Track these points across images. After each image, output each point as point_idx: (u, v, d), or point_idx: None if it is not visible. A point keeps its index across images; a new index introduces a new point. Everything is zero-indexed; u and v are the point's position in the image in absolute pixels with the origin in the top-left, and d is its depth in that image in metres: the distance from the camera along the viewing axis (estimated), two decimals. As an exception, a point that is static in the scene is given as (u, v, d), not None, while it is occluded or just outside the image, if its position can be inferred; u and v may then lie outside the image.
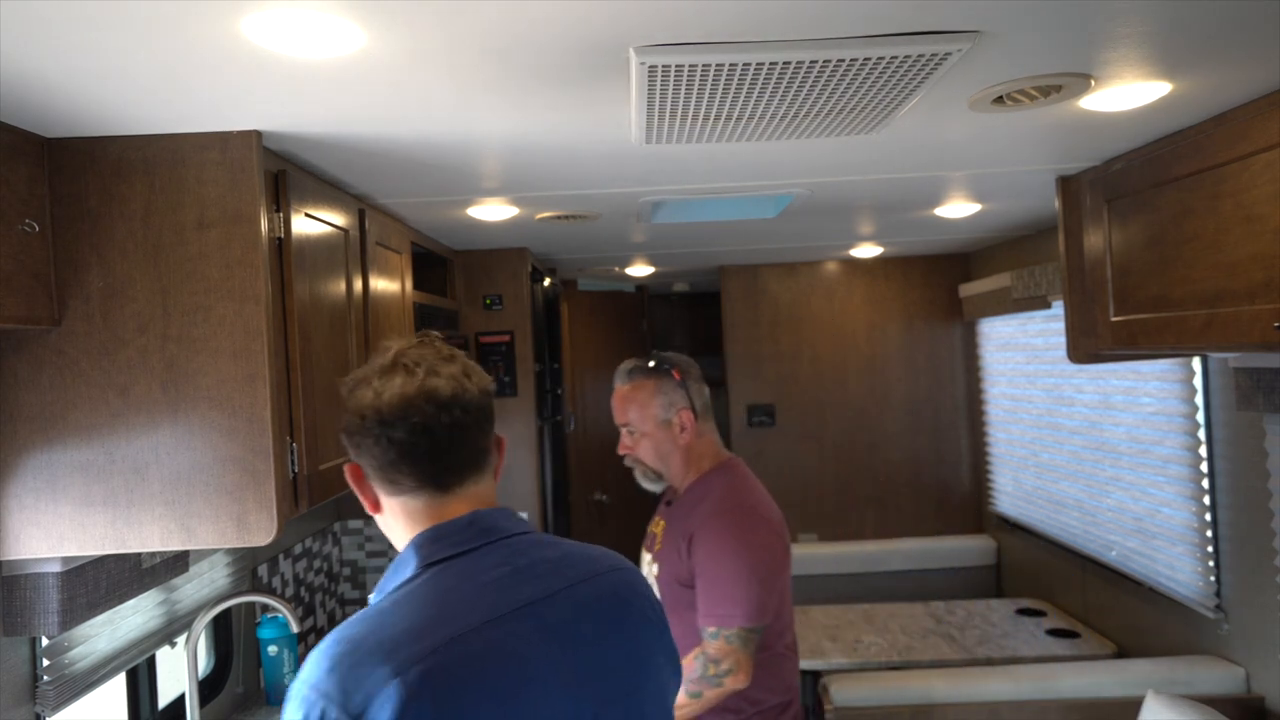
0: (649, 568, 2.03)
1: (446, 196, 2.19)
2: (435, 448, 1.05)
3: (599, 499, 4.59)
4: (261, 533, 1.48)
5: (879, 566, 4.17)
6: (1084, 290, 2.20)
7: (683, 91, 1.37)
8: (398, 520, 1.09)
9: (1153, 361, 2.70)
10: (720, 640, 1.79)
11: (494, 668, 0.93)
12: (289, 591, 2.69)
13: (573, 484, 4.21)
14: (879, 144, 1.81)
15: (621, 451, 2.05)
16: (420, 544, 1.04)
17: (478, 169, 1.90)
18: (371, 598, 1.07)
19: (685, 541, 1.90)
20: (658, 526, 2.08)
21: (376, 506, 1.11)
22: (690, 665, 1.80)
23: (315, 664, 0.93)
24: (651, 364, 2.03)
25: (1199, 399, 2.52)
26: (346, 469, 1.11)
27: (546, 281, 3.69)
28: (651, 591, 1.16)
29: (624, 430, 2.04)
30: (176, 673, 2.07)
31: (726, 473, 1.99)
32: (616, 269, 4.25)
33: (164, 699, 2.06)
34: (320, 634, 2.94)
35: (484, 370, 1.13)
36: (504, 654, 0.94)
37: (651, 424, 1.99)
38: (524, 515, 3.26)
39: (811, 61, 1.26)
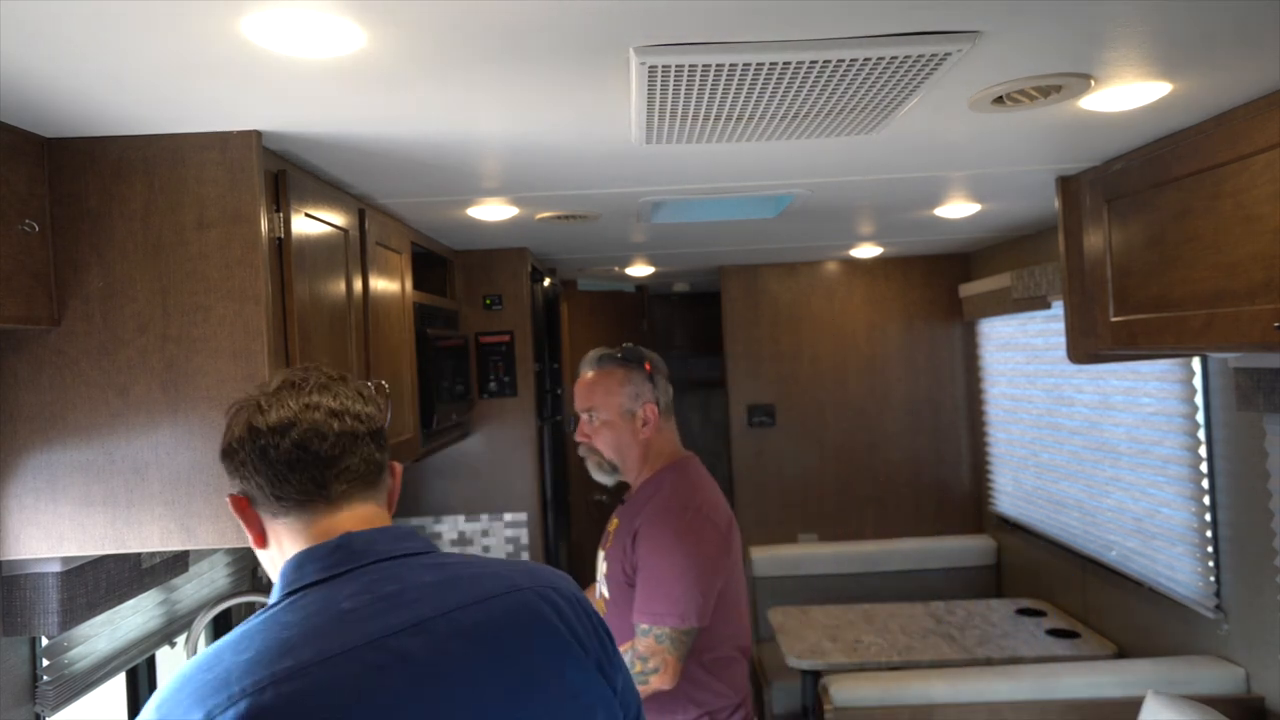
0: (600, 565, 2.01)
1: (446, 196, 2.19)
2: (319, 458, 1.00)
3: (598, 499, 4.59)
4: (261, 533, 1.48)
5: (879, 566, 4.18)
6: (1084, 290, 2.20)
7: (683, 92, 1.37)
8: (281, 550, 1.02)
9: (1152, 362, 2.70)
10: (650, 638, 1.77)
11: (328, 707, 0.84)
12: (289, 591, 2.69)
13: (572, 484, 4.21)
14: (879, 144, 1.81)
15: (579, 439, 2.02)
16: (286, 570, 0.98)
17: (478, 169, 1.90)
18: None
19: (630, 538, 1.88)
20: (612, 525, 2.06)
21: (262, 539, 1.05)
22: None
23: (168, 685, 0.89)
24: (621, 354, 2.01)
25: (1199, 399, 2.52)
26: (229, 500, 1.05)
27: (546, 281, 3.69)
28: (574, 614, 1.03)
29: (584, 416, 2.01)
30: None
31: (678, 471, 1.96)
32: (616, 269, 4.25)
33: (164, 699, 2.06)
34: (320, 634, 2.94)
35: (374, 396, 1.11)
36: (345, 691, 0.85)
37: (615, 412, 1.96)
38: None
39: (811, 61, 1.26)
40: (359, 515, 1.03)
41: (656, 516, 1.86)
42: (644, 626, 1.78)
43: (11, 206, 1.35)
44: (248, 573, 2.38)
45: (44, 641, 1.58)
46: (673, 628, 1.76)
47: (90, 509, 1.45)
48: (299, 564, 0.98)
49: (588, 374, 2.03)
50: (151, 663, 2.01)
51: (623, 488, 2.11)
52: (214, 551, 2.18)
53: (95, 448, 1.46)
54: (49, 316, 1.44)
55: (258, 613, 0.95)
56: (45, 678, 1.57)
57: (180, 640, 2.02)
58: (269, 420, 1.01)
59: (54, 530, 1.45)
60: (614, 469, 2.01)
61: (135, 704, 1.97)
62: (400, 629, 0.91)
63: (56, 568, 1.49)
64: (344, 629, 0.89)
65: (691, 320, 6.14)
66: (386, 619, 0.91)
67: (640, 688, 1.72)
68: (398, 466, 1.12)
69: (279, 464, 1.00)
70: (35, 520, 1.45)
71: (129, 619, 1.84)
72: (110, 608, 1.63)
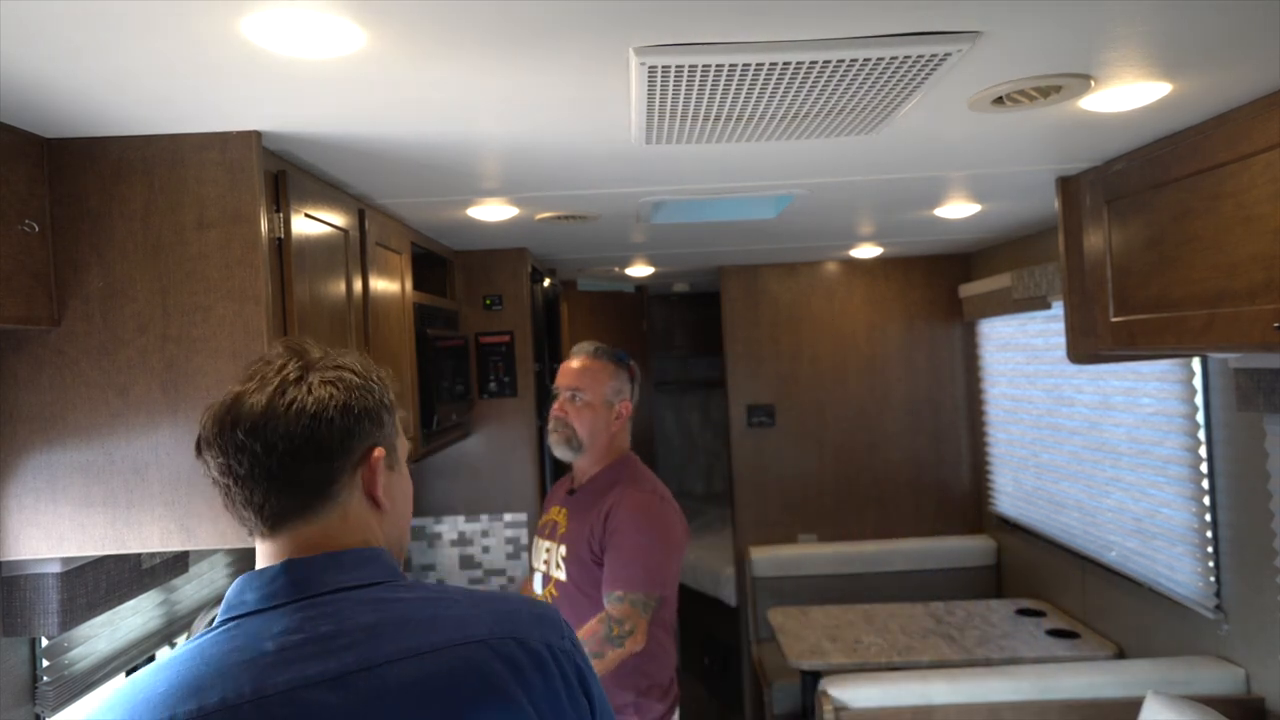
0: (553, 553, 2.18)
1: (446, 197, 2.19)
2: (242, 481, 0.91)
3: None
4: (261, 533, 1.48)
5: (879, 566, 4.18)
6: (1084, 290, 2.20)
7: (683, 92, 1.37)
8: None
9: (1153, 362, 2.70)
10: (625, 604, 1.96)
11: None
12: (289, 592, 2.69)
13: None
14: (879, 144, 1.81)
15: (556, 413, 2.20)
16: (229, 594, 0.91)
17: (477, 169, 1.90)
18: None
19: (601, 519, 2.05)
20: (559, 515, 2.23)
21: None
22: (593, 629, 1.96)
23: (104, 703, 0.85)
24: (613, 353, 2.24)
25: (1199, 399, 2.52)
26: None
27: (546, 281, 3.69)
28: (540, 675, 0.90)
29: (566, 394, 2.19)
30: (176, 673, 2.06)
31: (634, 464, 2.20)
32: (616, 269, 4.25)
33: (164, 699, 2.06)
34: (320, 634, 2.94)
35: (371, 379, 0.97)
36: None
37: (599, 399, 2.17)
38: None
39: (811, 62, 1.26)
40: (295, 541, 0.92)
41: (628, 498, 2.07)
42: (618, 594, 1.97)
43: (11, 206, 1.35)
44: (248, 573, 2.38)
45: (44, 642, 1.58)
46: (645, 593, 1.97)
47: (90, 509, 1.45)
48: (240, 589, 0.90)
49: (580, 358, 2.23)
50: (151, 663, 2.01)
51: None
52: (214, 552, 2.18)
53: (95, 448, 1.46)
54: (49, 316, 1.44)
55: (198, 634, 0.90)
56: (45, 678, 1.57)
57: (180, 640, 2.02)
58: (203, 430, 0.94)
59: (54, 531, 1.45)
60: (579, 448, 2.18)
61: (135, 704, 1.97)
62: (319, 680, 0.82)
63: (56, 568, 1.49)
64: (260, 673, 0.82)
65: (691, 320, 6.14)
66: (306, 667, 0.82)
67: (616, 651, 1.93)
68: (376, 454, 0.96)
69: (218, 484, 0.93)
70: (35, 520, 1.45)
71: (129, 619, 1.84)
72: (110, 608, 1.63)
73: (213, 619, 0.91)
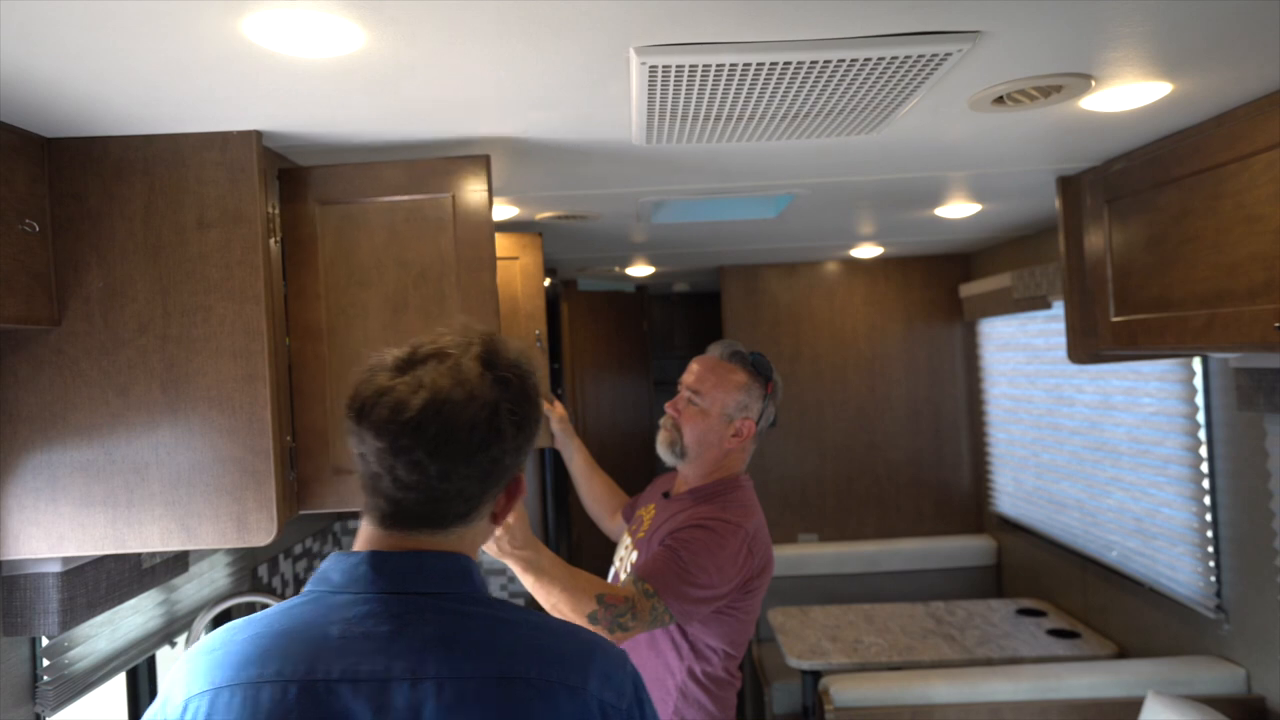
0: (625, 560, 1.97)
1: (446, 196, 2.19)
2: (377, 477, 0.90)
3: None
4: (261, 533, 1.48)
5: (879, 566, 4.18)
6: (1084, 290, 2.20)
7: (683, 92, 1.37)
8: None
9: (1153, 362, 2.70)
10: (644, 598, 1.65)
11: None
12: (289, 591, 2.69)
13: (573, 484, 4.21)
14: (879, 144, 1.81)
15: (670, 411, 1.95)
16: (324, 564, 0.94)
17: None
18: None
19: (681, 521, 1.81)
20: (647, 514, 2.02)
21: None
22: (622, 587, 1.67)
23: (204, 643, 0.93)
24: (754, 360, 1.94)
25: (1199, 399, 2.52)
26: None
27: (547, 281, 3.69)
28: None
29: (686, 394, 1.93)
30: (176, 673, 2.06)
31: (739, 488, 1.92)
32: (616, 269, 4.25)
33: (164, 699, 2.06)
34: (320, 634, 2.94)
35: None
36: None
37: (718, 408, 1.89)
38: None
39: (811, 61, 1.26)
40: (409, 538, 0.92)
41: (702, 512, 1.81)
42: (648, 587, 1.67)
43: (12, 206, 1.35)
44: (248, 573, 2.38)
45: (44, 641, 1.58)
46: (667, 606, 1.67)
47: (90, 509, 1.46)
48: (331, 564, 0.92)
49: (712, 357, 1.95)
50: (151, 663, 2.01)
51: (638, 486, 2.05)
52: (214, 551, 2.18)
53: (95, 448, 1.46)
54: (49, 316, 1.44)
55: (285, 602, 0.94)
56: (45, 678, 1.57)
57: (180, 640, 2.02)
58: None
59: (54, 530, 1.45)
60: (681, 454, 1.93)
61: (135, 704, 1.97)
62: (365, 678, 0.84)
63: (56, 568, 1.49)
64: (316, 656, 0.85)
65: (691, 320, 6.14)
66: (359, 662, 0.84)
67: (614, 634, 1.61)
68: (521, 481, 0.96)
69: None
70: (35, 520, 1.45)
71: (129, 619, 1.84)
72: (110, 608, 1.63)
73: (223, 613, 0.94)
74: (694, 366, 1.97)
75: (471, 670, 0.85)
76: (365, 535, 0.93)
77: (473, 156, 1.64)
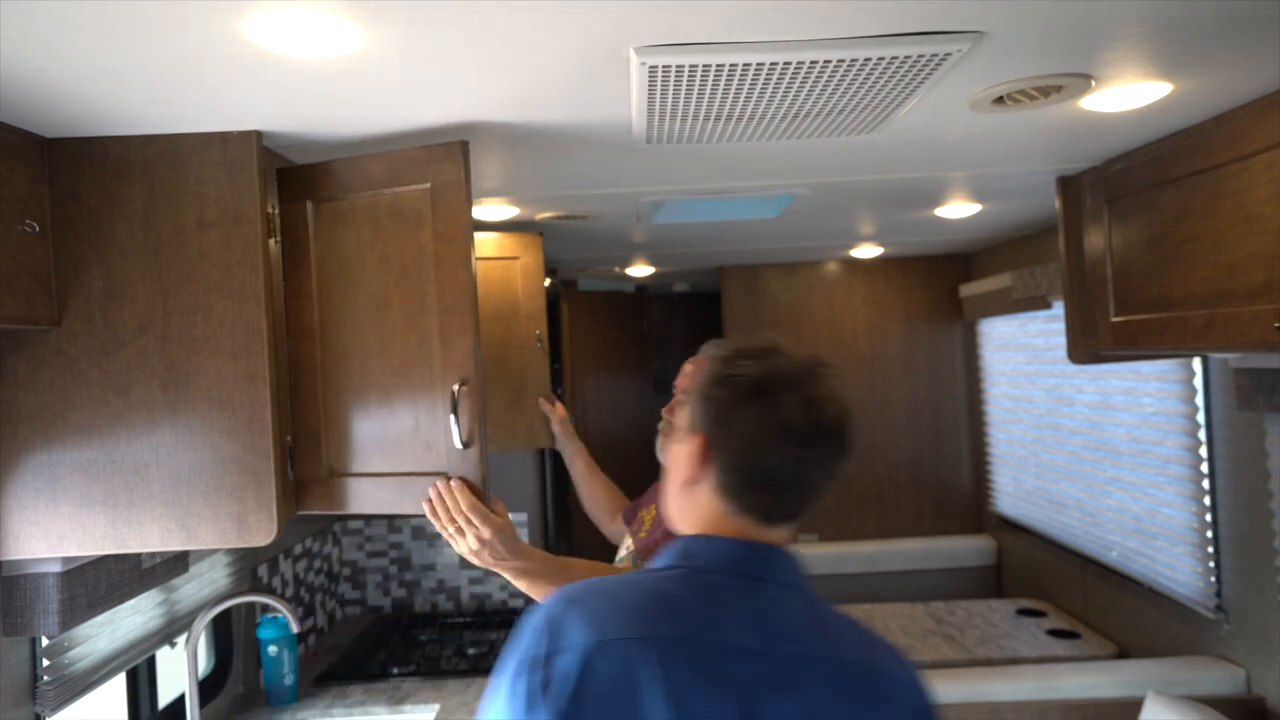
0: (628, 554, 1.97)
1: (446, 196, 2.19)
2: (786, 483, 0.97)
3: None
4: (261, 533, 1.48)
5: (879, 566, 4.18)
6: (1084, 290, 2.20)
7: (683, 92, 1.37)
8: (696, 509, 1.01)
9: (1153, 362, 2.70)
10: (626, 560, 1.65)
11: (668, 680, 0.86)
12: (289, 592, 2.69)
13: (572, 484, 4.21)
14: (879, 144, 1.81)
15: (666, 415, 1.94)
16: (689, 544, 1.00)
17: (478, 169, 1.90)
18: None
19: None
20: (650, 513, 2.02)
21: (689, 482, 1.02)
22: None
23: (559, 596, 0.94)
24: None
25: (1199, 399, 2.52)
26: (693, 438, 1.00)
27: (547, 281, 3.68)
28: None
29: (682, 397, 1.92)
30: (176, 673, 2.07)
31: None
32: (616, 269, 4.25)
33: (164, 699, 2.07)
34: (320, 634, 2.94)
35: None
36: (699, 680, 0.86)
37: None
38: (523, 516, 3.26)
39: (811, 62, 1.26)
40: (781, 531, 1.00)
41: None
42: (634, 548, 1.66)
43: (12, 207, 1.36)
44: (248, 573, 2.38)
45: (44, 641, 1.58)
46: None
47: (90, 509, 1.46)
48: (701, 546, 0.98)
49: (701, 358, 1.96)
50: (152, 663, 2.01)
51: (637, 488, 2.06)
52: (214, 552, 2.18)
53: (95, 448, 1.46)
54: (49, 316, 1.44)
55: (652, 569, 0.99)
56: (45, 678, 1.57)
57: (180, 640, 2.02)
58: (788, 424, 0.96)
59: (54, 530, 1.45)
60: None
61: (135, 704, 1.97)
62: (741, 648, 0.90)
63: (57, 568, 1.49)
64: (695, 619, 0.91)
65: (691, 320, 6.14)
66: (737, 631, 0.91)
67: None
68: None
69: (753, 473, 0.98)
70: (35, 520, 1.45)
71: (129, 619, 1.84)
72: (110, 608, 1.63)
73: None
74: (688, 368, 1.96)
75: (850, 657, 0.94)
76: (734, 525, 0.99)
77: (449, 144, 1.51)
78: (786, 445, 0.96)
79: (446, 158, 1.52)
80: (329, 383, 1.61)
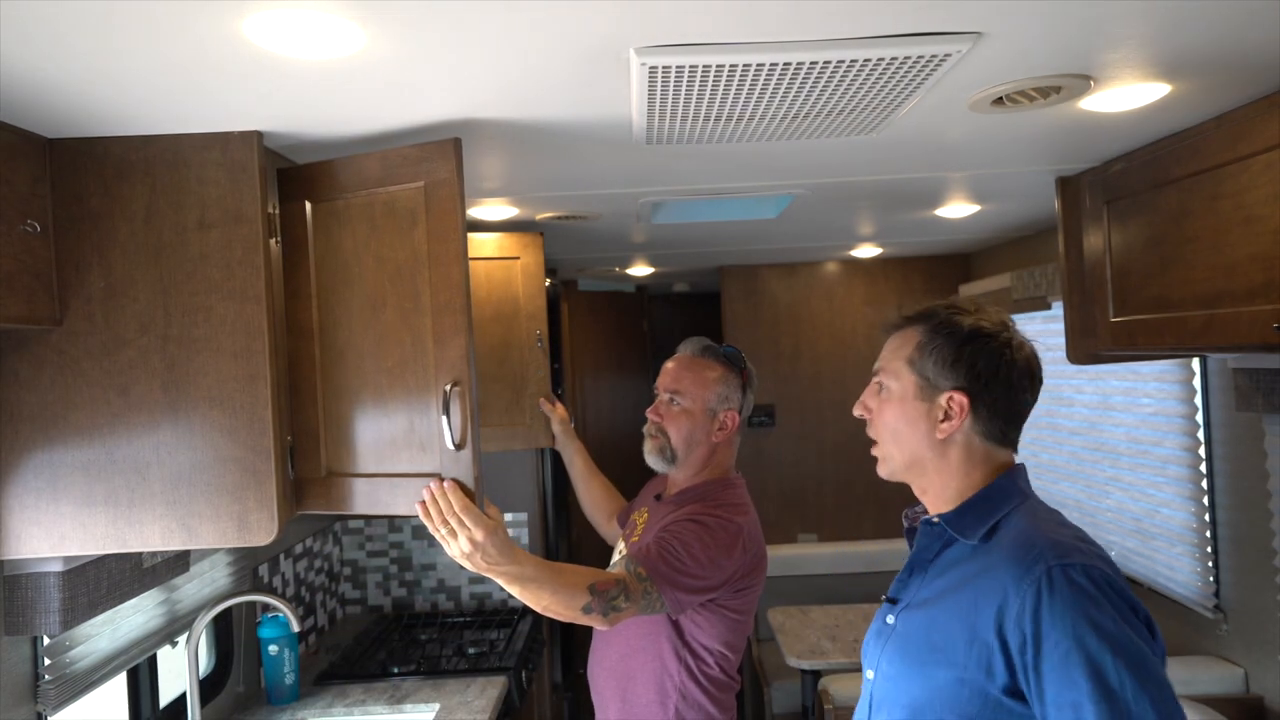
0: (621, 558, 1.90)
1: (447, 197, 2.19)
2: (1026, 415, 1.26)
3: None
4: (262, 532, 1.48)
5: (879, 566, 4.17)
6: (1083, 291, 2.20)
7: (683, 92, 1.37)
8: (962, 455, 1.24)
9: (1152, 362, 2.70)
10: (636, 580, 1.64)
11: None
12: (290, 591, 2.70)
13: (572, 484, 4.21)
14: (879, 144, 1.82)
15: (651, 417, 1.94)
16: (1020, 479, 1.25)
17: (478, 169, 1.90)
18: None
19: (663, 528, 1.79)
20: (641, 516, 2.01)
21: (942, 436, 1.24)
22: (611, 572, 1.66)
23: (1038, 534, 1.15)
24: (725, 353, 1.95)
25: (1198, 400, 2.52)
26: (958, 394, 1.22)
27: (547, 281, 3.69)
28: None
29: (666, 397, 1.92)
30: (177, 672, 2.07)
31: (732, 486, 1.92)
32: (616, 269, 4.26)
33: (165, 698, 2.07)
34: (321, 634, 2.95)
35: None
36: None
37: (700, 405, 1.89)
38: (523, 516, 3.27)
39: (811, 62, 1.26)
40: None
41: (704, 514, 1.79)
42: (640, 571, 1.66)
43: (13, 206, 1.36)
44: (248, 572, 2.38)
45: (45, 641, 1.58)
46: (660, 593, 1.66)
47: (91, 508, 1.46)
48: (1024, 476, 1.25)
49: (685, 356, 1.96)
50: (153, 662, 2.01)
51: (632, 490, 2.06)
52: (215, 551, 2.19)
53: (96, 447, 1.46)
54: (51, 316, 1.44)
55: (1024, 504, 1.21)
56: (46, 677, 1.57)
57: (181, 639, 2.02)
58: (1033, 369, 1.25)
59: (55, 530, 1.45)
60: (672, 459, 1.91)
61: (136, 703, 1.98)
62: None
63: (58, 567, 1.49)
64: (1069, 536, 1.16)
65: (691, 320, 6.14)
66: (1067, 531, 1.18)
67: (608, 618, 1.62)
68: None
69: (1015, 409, 1.24)
70: (37, 520, 1.45)
71: (130, 618, 1.84)
72: (111, 607, 1.63)
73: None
74: (669, 368, 1.96)
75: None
76: (1001, 459, 1.26)
77: (442, 141, 1.50)
78: (1029, 383, 1.23)
79: (439, 155, 1.50)
80: (328, 383, 1.61)
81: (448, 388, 1.48)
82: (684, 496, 1.91)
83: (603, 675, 1.92)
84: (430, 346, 1.51)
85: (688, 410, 1.90)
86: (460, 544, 1.45)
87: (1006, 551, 1.15)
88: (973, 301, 1.28)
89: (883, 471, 1.37)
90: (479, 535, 1.43)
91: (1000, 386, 1.22)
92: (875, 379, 1.37)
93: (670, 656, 1.82)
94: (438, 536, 1.47)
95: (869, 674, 1.32)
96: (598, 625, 1.64)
